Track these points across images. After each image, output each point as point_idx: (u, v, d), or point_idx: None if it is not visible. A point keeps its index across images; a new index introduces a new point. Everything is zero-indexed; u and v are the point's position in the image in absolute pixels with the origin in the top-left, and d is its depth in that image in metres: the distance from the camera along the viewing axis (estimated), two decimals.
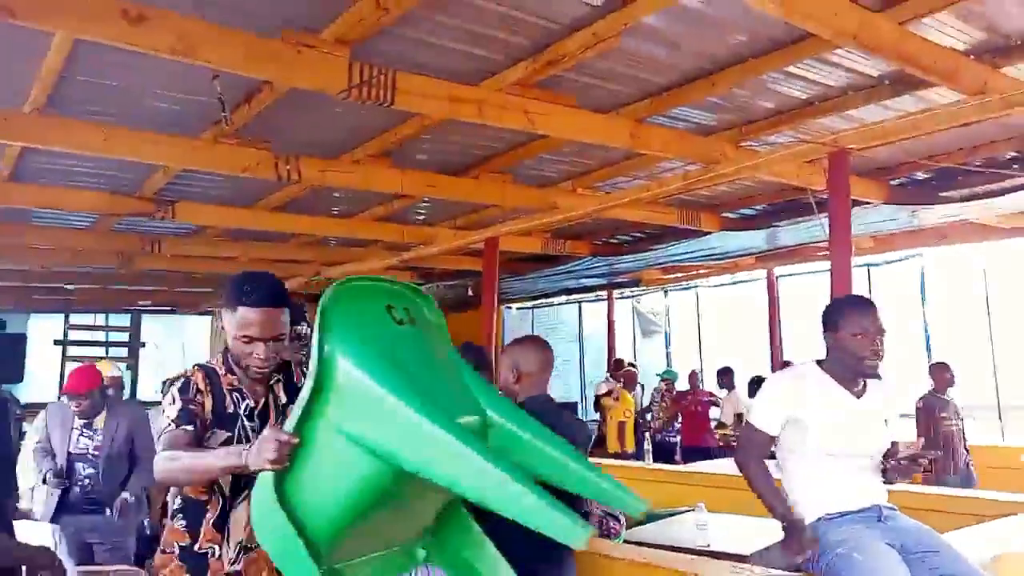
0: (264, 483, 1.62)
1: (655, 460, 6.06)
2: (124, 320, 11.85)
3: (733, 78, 3.68)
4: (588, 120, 3.87)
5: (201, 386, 1.97)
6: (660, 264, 8.72)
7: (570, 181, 5.69)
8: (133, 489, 3.96)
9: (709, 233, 7.17)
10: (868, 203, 5.61)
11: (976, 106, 3.50)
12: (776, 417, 2.36)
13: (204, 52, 2.74)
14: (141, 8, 2.56)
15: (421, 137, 4.63)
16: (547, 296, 11.19)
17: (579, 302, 11.96)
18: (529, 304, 12.29)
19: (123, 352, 11.60)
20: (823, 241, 7.01)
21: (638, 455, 7.02)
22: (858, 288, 4.43)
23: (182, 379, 1.98)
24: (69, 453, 3.91)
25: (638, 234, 8.18)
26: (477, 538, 1.81)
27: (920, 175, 5.77)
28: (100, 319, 11.81)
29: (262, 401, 2.03)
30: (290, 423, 1.61)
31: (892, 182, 5.67)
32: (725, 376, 7.90)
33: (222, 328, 2.00)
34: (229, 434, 1.95)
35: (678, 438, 7.88)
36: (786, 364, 7.61)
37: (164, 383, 2.02)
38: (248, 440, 1.95)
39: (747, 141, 4.65)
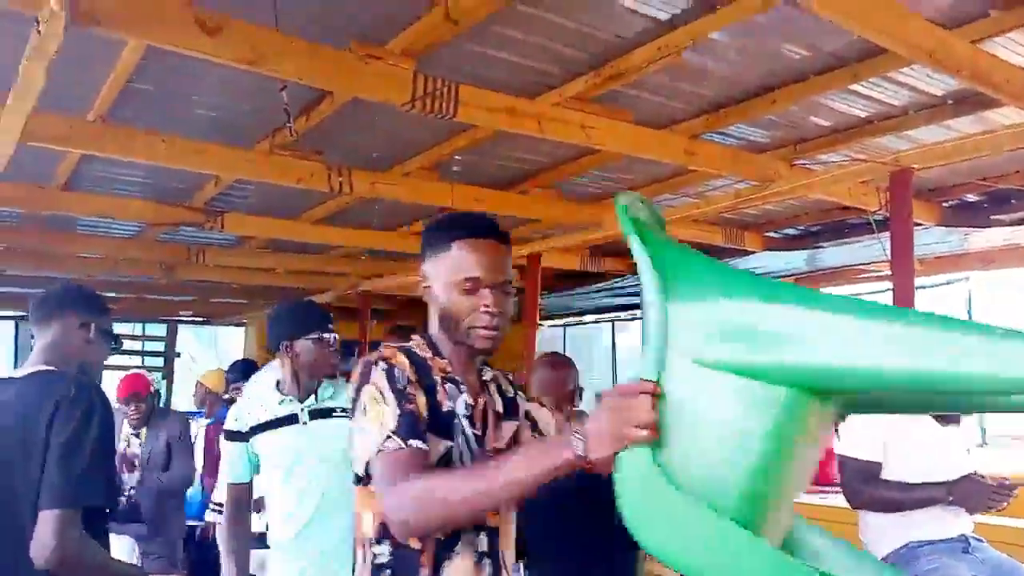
0: (639, 469, 1.09)
1: None
2: (160, 330, 11.98)
3: (794, 95, 3.64)
4: (644, 136, 3.85)
5: (410, 374, 1.38)
6: None
7: (615, 197, 5.65)
8: (175, 526, 4.00)
9: (750, 252, 7.10)
10: (919, 224, 5.51)
11: None
12: (876, 442, 2.31)
13: (275, 62, 2.76)
14: (218, 18, 2.59)
15: (471, 151, 4.64)
16: (580, 314, 11.14)
17: (612, 321, 11.88)
18: (561, 322, 12.25)
19: (159, 362, 11.71)
20: (872, 262, 6.95)
21: None
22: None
23: (381, 363, 1.38)
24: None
25: None
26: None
27: (972, 197, 5.67)
28: (137, 328, 11.95)
29: (480, 402, 1.50)
30: (643, 370, 1.13)
31: (945, 204, 5.57)
32: None
33: (426, 288, 1.50)
34: (450, 444, 1.40)
35: None
36: None
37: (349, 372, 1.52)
38: (472, 454, 1.41)
39: (800, 159, 4.59)
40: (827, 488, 6.35)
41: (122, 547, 3.62)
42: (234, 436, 2.60)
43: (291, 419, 2.55)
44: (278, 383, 2.65)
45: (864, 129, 4.20)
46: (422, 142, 4.53)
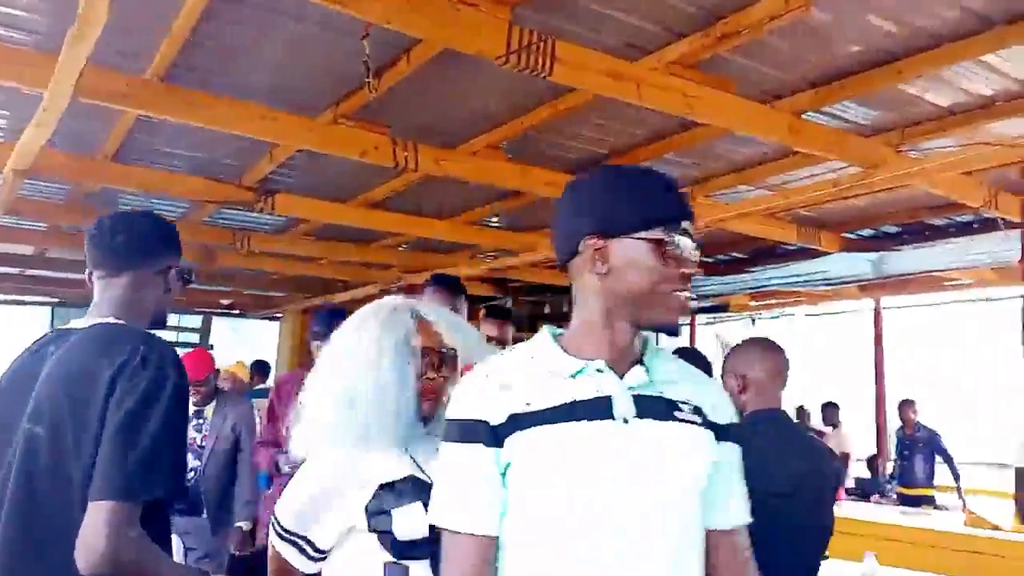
0: None
1: None
2: (195, 321, 11.80)
3: (923, 66, 3.26)
4: (748, 110, 3.49)
5: None
6: (758, 288, 8.25)
7: (690, 188, 5.30)
8: (242, 514, 3.75)
9: (818, 255, 6.68)
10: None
11: None
12: None
13: (365, 3, 2.46)
14: None
15: (541, 129, 4.32)
16: None
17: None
18: None
19: None
20: (953, 269, 6.50)
21: None
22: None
23: None
24: None
25: (737, 254, 7.73)
26: None
27: None
28: (172, 319, 11.80)
29: None
30: None
31: None
32: (829, 411, 7.36)
33: None
34: None
35: None
36: (906, 402, 7.03)
37: None
38: None
39: (905, 146, 4.20)
40: None
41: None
42: (472, 433, 1.22)
43: (599, 407, 1.21)
44: (558, 337, 1.32)
45: (986, 111, 3.80)
46: (493, 117, 4.21)
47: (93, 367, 1.47)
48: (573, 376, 1.23)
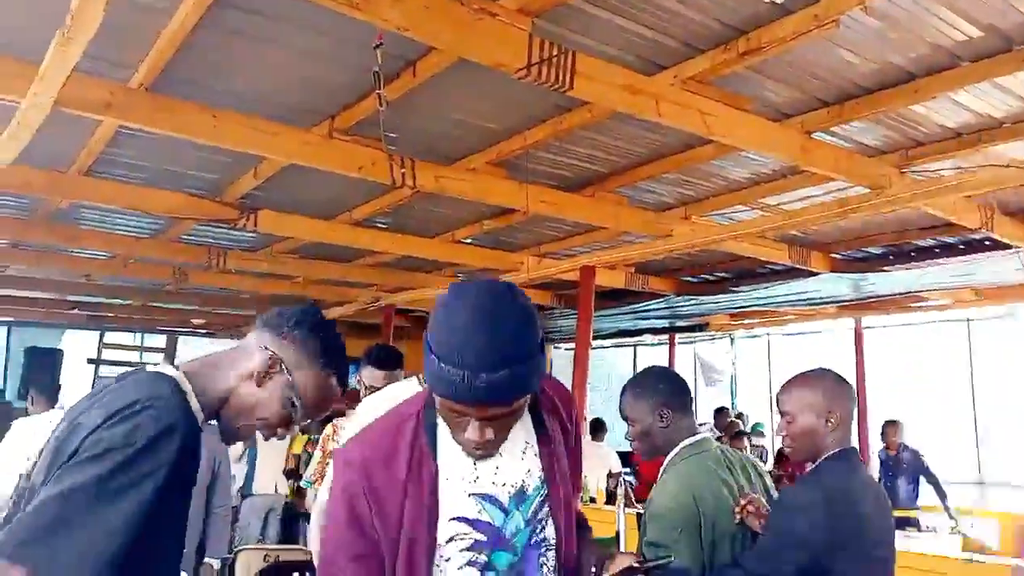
0: None
1: None
2: (160, 341, 11.38)
3: (941, 85, 3.21)
4: (762, 128, 3.41)
5: None
6: (739, 308, 8.23)
7: (685, 207, 5.23)
8: (215, 550, 3.53)
9: (798, 275, 6.66)
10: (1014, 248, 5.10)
11: None
12: None
13: (383, 8, 2.31)
14: None
15: (543, 147, 4.20)
16: (603, 336, 10.63)
17: (635, 346, 11.41)
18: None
19: None
20: (935, 289, 6.53)
21: None
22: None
23: None
24: None
25: (721, 274, 7.68)
26: None
27: None
28: (136, 339, 11.37)
29: None
30: None
31: None
32: None
33: None
34: None
35: None
36: (890, 423, 7.01)
37: None
38: None
39: (909, 167, 4.16)
40: None
41: None
42: None
43: None
44: None
45: (991, 132, 3.78)
46: (492, 135, 4.07)
47: (84, 418, 1.22)
48: None
